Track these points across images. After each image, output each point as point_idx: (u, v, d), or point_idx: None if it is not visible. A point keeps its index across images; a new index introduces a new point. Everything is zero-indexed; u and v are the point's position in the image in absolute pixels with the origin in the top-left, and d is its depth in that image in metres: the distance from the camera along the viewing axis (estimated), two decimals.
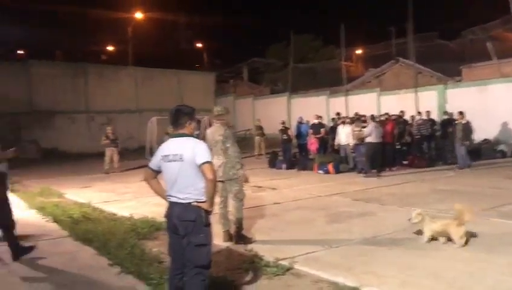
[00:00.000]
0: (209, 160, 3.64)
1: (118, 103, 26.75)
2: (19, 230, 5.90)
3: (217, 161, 5.67)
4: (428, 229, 5.65)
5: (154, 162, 3.81)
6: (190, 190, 3.62)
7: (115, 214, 8.02)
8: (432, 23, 29.05)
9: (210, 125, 15.59)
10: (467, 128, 13.11)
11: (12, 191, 10.68)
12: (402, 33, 24.22)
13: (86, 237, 6.26)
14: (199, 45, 42.82)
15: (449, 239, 5.52)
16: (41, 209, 8.39)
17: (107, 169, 15.13)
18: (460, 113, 13.41)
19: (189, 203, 3.61)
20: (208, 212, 3.68)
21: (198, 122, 15.19)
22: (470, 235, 5.60)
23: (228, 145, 5.93)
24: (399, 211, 7.77)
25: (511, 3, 17.38)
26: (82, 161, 19.76)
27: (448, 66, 22.10)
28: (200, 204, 3.62)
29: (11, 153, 5.92)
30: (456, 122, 13.47)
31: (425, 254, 5.23)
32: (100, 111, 26.12)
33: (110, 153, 15.27)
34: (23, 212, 8.35)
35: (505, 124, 17.12)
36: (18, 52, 37.81)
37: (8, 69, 24.08)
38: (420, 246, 5.55)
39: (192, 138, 3.76)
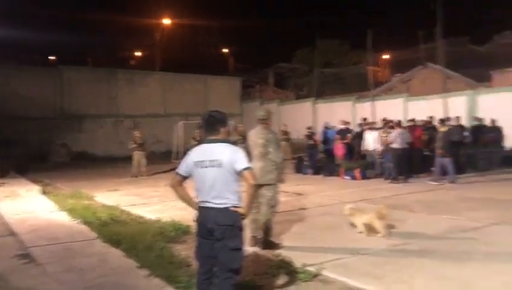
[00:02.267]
0: (250, 166, 3.67)
1: (145, 108, 27.16)
2: (50, 232, 6.04)
3: (255, 165, 5.65)
4: (359, 222, 6.52)
5: (183, 168, 3.80)
6: (228, 195, 3.63)
7: (142, 217, 8.13)
8: (462, 27, 28.48)
9: (236, 130, 15.71)
10: (447, 137, 12.01)
11: (44, 192, 11.08)
12: (430, 38, 23.85)
13: (114, 239, 6.35)
14: (225, 50, 43.09)
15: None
16: (71, 211, 8.56)
17: (135, 173, 15.34)
18: (441, 120, 12.84)
19: (227, 207, 3.62)
20: (243, 217, 3.69)
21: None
22: (390, 228, 6.46)
23: (270, 149, 5.92)
24: (427, 218, 7.65)
25: None
26: (110, 164, 20.07)
27: (478, 71, 21.64)
28: (237, 209, 3.64)
29: None
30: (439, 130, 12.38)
31: (458, 263, 5.12)
32: (128, 115, 26.57)
33: (138, 157, 15.49)
34: (55, 213, 8.55)
35: None
36: (50, 58, 38.84)
37: (40, 74, 24.82)
38: (450, 255, 5.44)
39: (228, 144, 3.77)
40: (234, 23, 41.85)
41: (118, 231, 6.78)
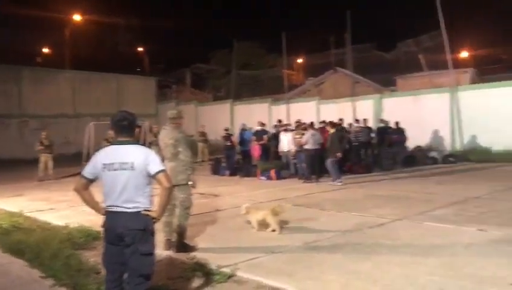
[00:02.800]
0: (164, 168, 3.57)
1: (54, 108, 25.73)
2: None
3: (166, 165, 5.55)
4: (254, 219, 6.79)
5: (89, 170, 3.60)
6: (139, 199, 3.50)
7: (48, 224, 7.66)
8: (369, 34, 30.24)
9: (151, 130, 15.34)
10: (334, 139, 12.36)
11: None
12: (341, 44, 25.08)
13: (16, 249, 5.91)
14: (140, 49, 41.94)
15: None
16: None
17: (42, 176, 14.45)
18: (331, 123, 13.26)
19: (138, 211, 3.50)
20: (155, 221, 3.59)
21: (139, 127, 14.88)
22: (283, 224, 6.89)
23: (180, 149, 5.84)
24: (337, 215, 8.00)
25: (440, 21, 18.44)
26: (14, 167, 18.72)
27: (384, 76, 23.12)
28: (149, 213, 3.53)
29: None
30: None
31: (365, 258, 5.39)
32: (35, 115, 24.96)
33: (45, 159, 14.63)
34: None
35: (436, 132, 18.11)
36: None
37: None
38: (358, 250, 5.73)
39: (140, 146, 3.66)
40: (150, 22, 40.93)
41: (21, 240, 6.32)
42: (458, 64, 22.80)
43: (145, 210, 3.52)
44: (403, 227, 6.96)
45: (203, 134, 19.25)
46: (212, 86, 35.41)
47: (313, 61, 31.52)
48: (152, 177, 3.53)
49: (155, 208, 3.57)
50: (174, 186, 5.51)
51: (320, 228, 7.06)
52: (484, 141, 16.89)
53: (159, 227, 4.93)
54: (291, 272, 4.94)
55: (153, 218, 3.55)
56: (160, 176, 3.51)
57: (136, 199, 3.49)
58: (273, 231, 6.66)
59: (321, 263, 5.28)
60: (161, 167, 3.54)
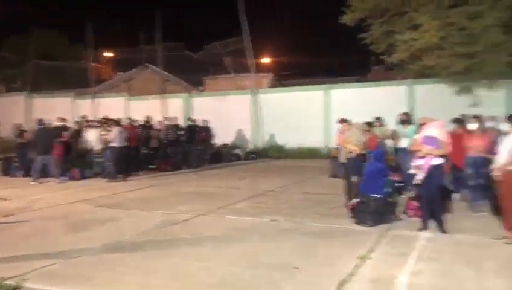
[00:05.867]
0: None
1: None
2: None
3: None
4: None
5: None
6: None
7: None
8: (179, 34, 30.58)
9: None
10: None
11: None
12: (151, 40, 24.77)
13: None
14: None
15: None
16: None
17: None
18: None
19: None
20: None
21: None
22: None
23: None
24: (142, 214, 7.88)
25: (243, 29, 19.73)
26: None
27: (193, 76, 23.64)
28: None
29: None
30: None
31: (166, 255, 5.41)
32: None
33: None
34: None
35: (240, 131, 19.33)
36: None
37: None
38: (160, 247, 5.73)
39: None
40: None
41: None
42: (260, 69, 24.71)
43: None
44: (206, 222, 7.22)
45: None
46: (4, 77, 31.24)
47: (123, 55, 30.37)
48: None
49: None
50: None
51: (122, 228, 6.86)
52: (281, 139, 18.66)
53: None
54: (90, 277, 4.66)
55: None
56: None
57: None
58: None
59: (122, 264, 5.11)
60: None
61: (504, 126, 6.12)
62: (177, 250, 5.61)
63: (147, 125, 15.48)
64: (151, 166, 14.42)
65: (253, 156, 17.87)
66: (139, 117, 16.16)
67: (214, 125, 16.64)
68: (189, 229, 6.67)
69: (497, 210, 6.62)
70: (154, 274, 4.76)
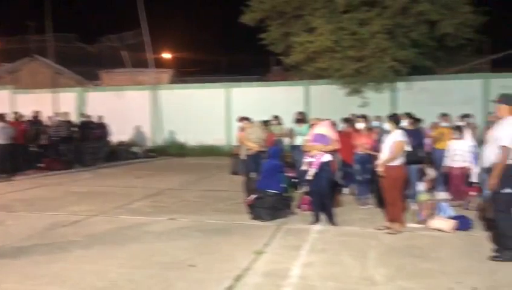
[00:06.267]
0: None
1: None
2: None
3: None
4: None
5: None
6: None
7: None
8: (72, 25, 28.88)
9: None
10: None
11: None
12: (41, 30, 23.05)
13: None
14: None
15: None
16: None
17: None
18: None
19: None
20: None
21: None
22: None
23: None
24: (29, 217, 7.32)
25: (142, 22, 19.20)
26: None
27: (88, 69, 22.45)
28: None
29: None
30: None
31: (53, 259, 5.06)
32: None
33: None
34: None
35: (138, 128, 18.75)
36: None
37: None
38: (47, 251, 5.35)
39: None
40: None
41: None
42: (160, 65, 24.19)
43: None
44: (98, 223, 6.88)
45: None
46: None
47: (8, 45, 27.92)
48: None
49: None
50: None
51: (6, 232, 6.30)
52: (181, 137, 18.42)
53: None
54: None
55: None
56: None
57: None
58: None
59: (5, 270, 4.69)
60: None
61: (387, 125, 6.59)
62: (66, 254, 5.28)
63: (35, 121, 14.37)
64: (40, 165, 13.42)
65: (152, 154, 17.44)
66: (27, 112, 14.95)
67: (110, 122, 15.92)
68: (80, 231, 6.31)
69: (380, 203, 7.16)
70: (40, 280, 4.43)
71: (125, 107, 18.65)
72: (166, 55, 30.03)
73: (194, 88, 19.34)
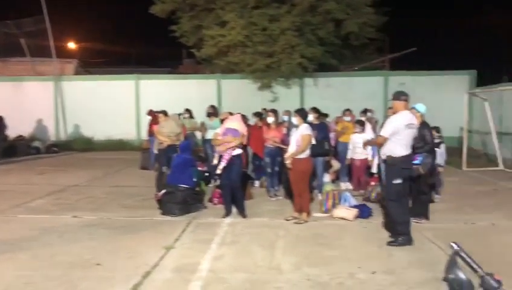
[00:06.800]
0: None
1: None
2: None
3: None
4: None
5: None
6: None
7: None
8: None
9: None
10: None
11: None
12: None
13: None
14: None
15: None
16: None
17: None
18: None
19: None
20: None
21: None
22: None
23: None
24: None
25: (43, 7, 17.93)
26: None
27: None
28: None
29: None
30: None
31: None
32: None
33: None
34: None
35: (40, 121, 17.54)
36: None
37: None
38: None
39: None
40: None
41: None
42: (64, 54, 22.76)
43: None
44: None
45: None
46: None
47: None
48: None
49: None
50: None
51: None
52: (87, 131, 17.54)
53: None
54: None
55: None
56: None
57: None
58: None
59: None
60: None
61: (294, 119, 6.81)
62: None
63: None
64: None
65: (55, 149, 16.42)
66: None
67: (7, 115, 14.69)
68: None
69: (289, 194, 7.40)
70: None
71: (25, 99, 17.37)
72: (71, 45, 28.38)
73: (101, 80, 18.43)
